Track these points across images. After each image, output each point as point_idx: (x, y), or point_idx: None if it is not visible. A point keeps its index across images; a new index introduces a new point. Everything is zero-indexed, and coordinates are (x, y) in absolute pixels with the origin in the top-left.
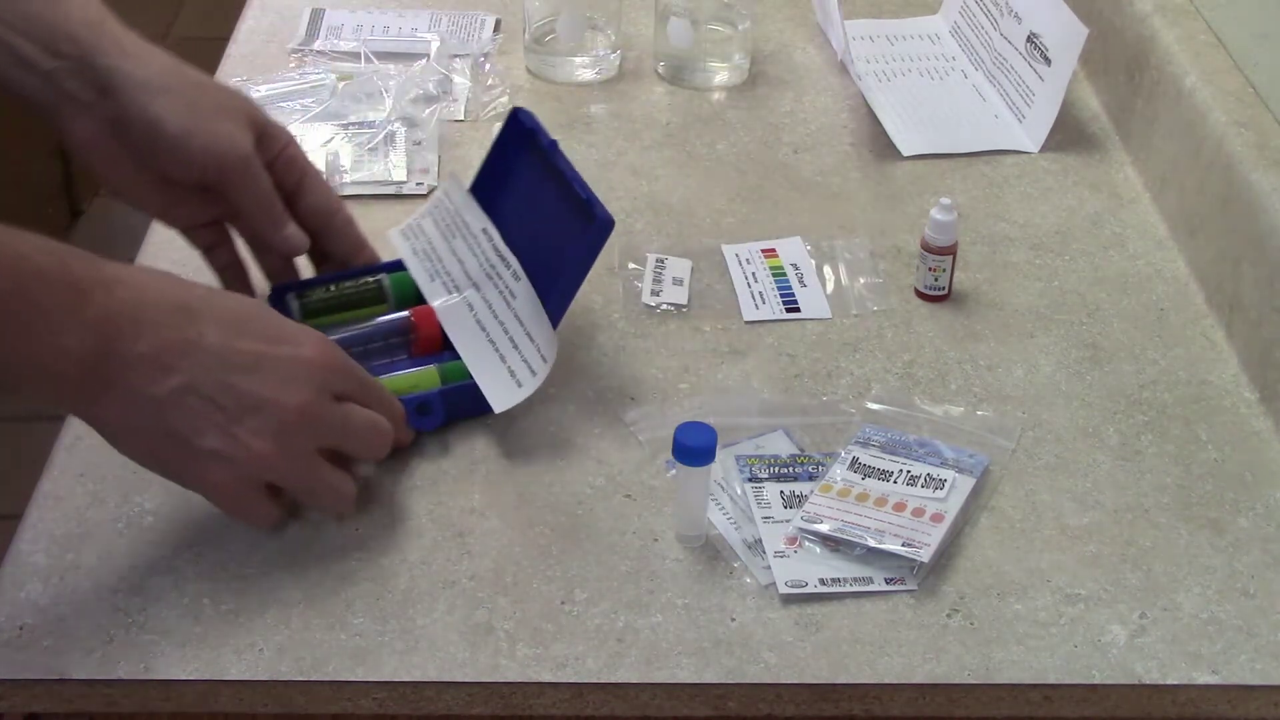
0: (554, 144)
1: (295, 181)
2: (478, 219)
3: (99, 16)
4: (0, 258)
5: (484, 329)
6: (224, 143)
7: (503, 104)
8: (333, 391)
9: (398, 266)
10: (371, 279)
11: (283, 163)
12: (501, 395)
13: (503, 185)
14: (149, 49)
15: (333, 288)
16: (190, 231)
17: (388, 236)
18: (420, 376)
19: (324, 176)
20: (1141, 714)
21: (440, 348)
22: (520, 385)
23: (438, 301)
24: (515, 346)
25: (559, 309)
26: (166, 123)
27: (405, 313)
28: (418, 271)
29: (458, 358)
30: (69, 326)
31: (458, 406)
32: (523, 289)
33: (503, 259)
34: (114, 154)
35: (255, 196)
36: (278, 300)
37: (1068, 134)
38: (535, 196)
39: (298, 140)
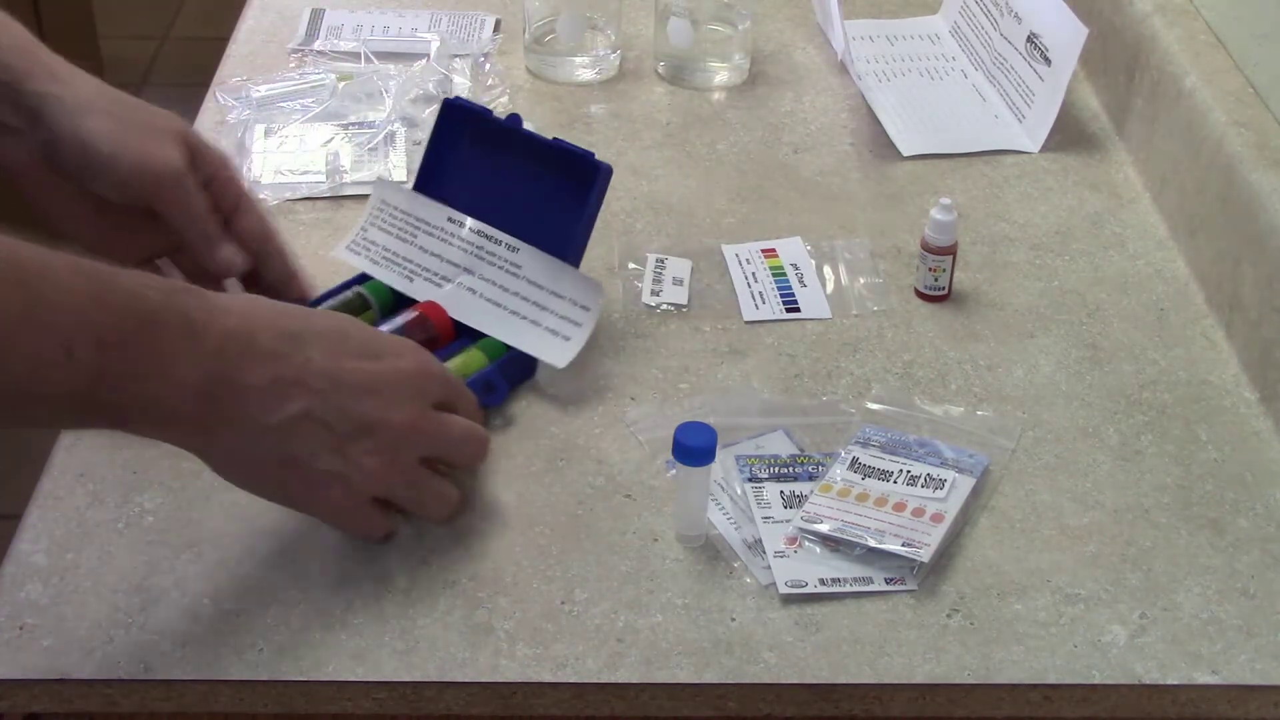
0: (517, 117)
1: (231, 205)
2: (436, 212)
3: (28, 44)
4: (115, 296)
5: (499, 305)
6: (155, 160)
7: (503, 104)
8: (432, 400)
9: (365, 278)
10: (350, 292)
11: (218, 185)
12: (555, 353)
13: (457, 173)
14: (79, 74)
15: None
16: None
17: (335, 256)
18: (468, 359)
19: (260, 201)
20: (1141, 714)
21: (454, 335)
22: (568, 339)
23: (436, 294)
24: (544, 308)
25: (576, 261)
26: (97, 142)
27: (413, 312)
28: (392, 279)
29: (480, 338)
30: (186, 361)
31: (515, 377)
32: (526, 257)
33: (489, 238)
34: (47, 181)
35: (188, 214)
36: None
37: (1068, 134)
38: (506, 171)
39: (233, 164)
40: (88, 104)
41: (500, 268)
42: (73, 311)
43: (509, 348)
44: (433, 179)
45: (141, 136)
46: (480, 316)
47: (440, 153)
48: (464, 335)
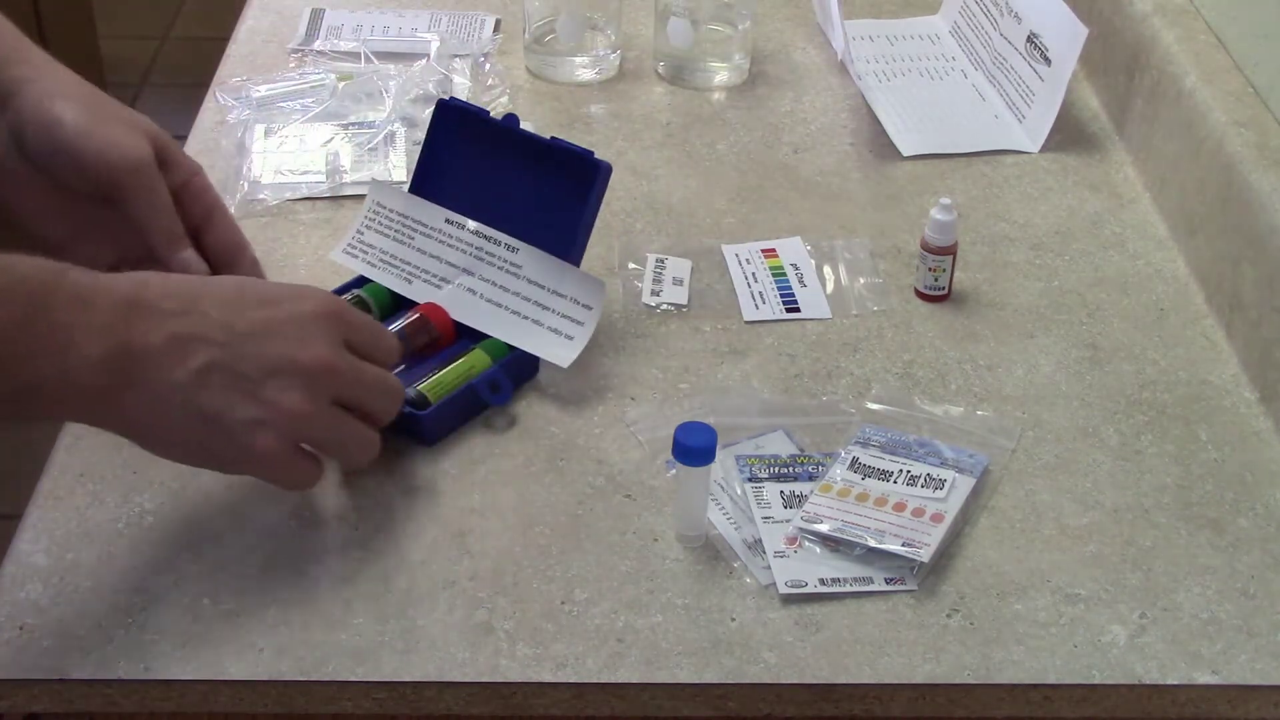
0: (514, 117)
1: (202, 214)
2: (433, 214)
3: (11, 35)
4: (6, 284)
5: (500, 305)
6: (121, 145)
7: (503, 104)
8: (344, 339)
9: (364, 280)
10: (348, 295)
11: (190, 193)
12: (558, 353)
13: (454, 174)
14: (58, 66)
15: None
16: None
17: (332, 258)
18: (473, 360)
19: (232, 214)
20: (1141, 714)
21: (455, 336)
22: (571, 339)
23: (436, 296)
24: (546, 308)
25: (577, 260)
26: (65, 122)
27: (414, 313)
28: (390, 281)
29: (483, 339)
30: (81, 333)
31: (519, 375)
32: (526, 257)
33: (488, 239)
34: (14, 171)
35: (151, 207)
36: None
37: (1068, 134)
38: (503, 171)
39: (205, 175)
40: (60, 90)
41: (500, 268)
42: None
43: (512, 347)
44: (429, 180)
45: (109, 122)
46: (482, 317)
47: (436, 154)
48: (465, 337)
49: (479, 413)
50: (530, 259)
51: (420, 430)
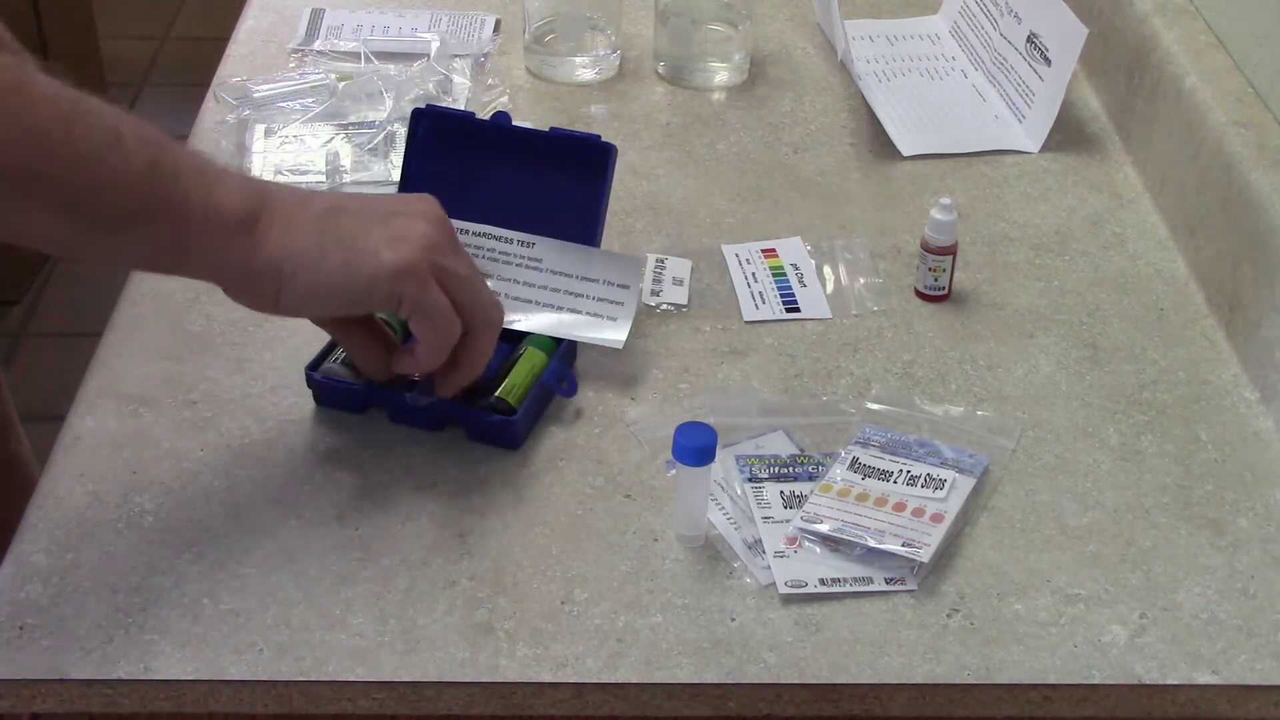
0: (504, 114)
1: None
2: None
3: None
4: (147, 129)
5: (531, 301)
6: None
7: (503, 104)
8: (447, 246)
9: None
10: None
11: None
12: (608, 336)
13: (445, 180)
14: None
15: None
16: None
17: None
18: (531, 358)
19: None
20: (1141, 714)
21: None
22: (615, 320)
23: None
24: (579, 295)
25: (597, 243)
26: None
27: None
28: None
29: (521, 339)
30: (226, 180)
31: (572, 363)
32: (544, 249)
33: (498, 239)
34: None
35: None
36: (311, 376)
37: (1068, 134)
38: (501, 170)
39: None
40: None
41: (520, 265)
42: (115, 116)
43: (557, 339)
44: (417, 189)
45: None
46: (517, 317)
47: (420, 163)
48: (503, 340)
49: (545, 409)
50: (549, 250)
51: (512, 434)
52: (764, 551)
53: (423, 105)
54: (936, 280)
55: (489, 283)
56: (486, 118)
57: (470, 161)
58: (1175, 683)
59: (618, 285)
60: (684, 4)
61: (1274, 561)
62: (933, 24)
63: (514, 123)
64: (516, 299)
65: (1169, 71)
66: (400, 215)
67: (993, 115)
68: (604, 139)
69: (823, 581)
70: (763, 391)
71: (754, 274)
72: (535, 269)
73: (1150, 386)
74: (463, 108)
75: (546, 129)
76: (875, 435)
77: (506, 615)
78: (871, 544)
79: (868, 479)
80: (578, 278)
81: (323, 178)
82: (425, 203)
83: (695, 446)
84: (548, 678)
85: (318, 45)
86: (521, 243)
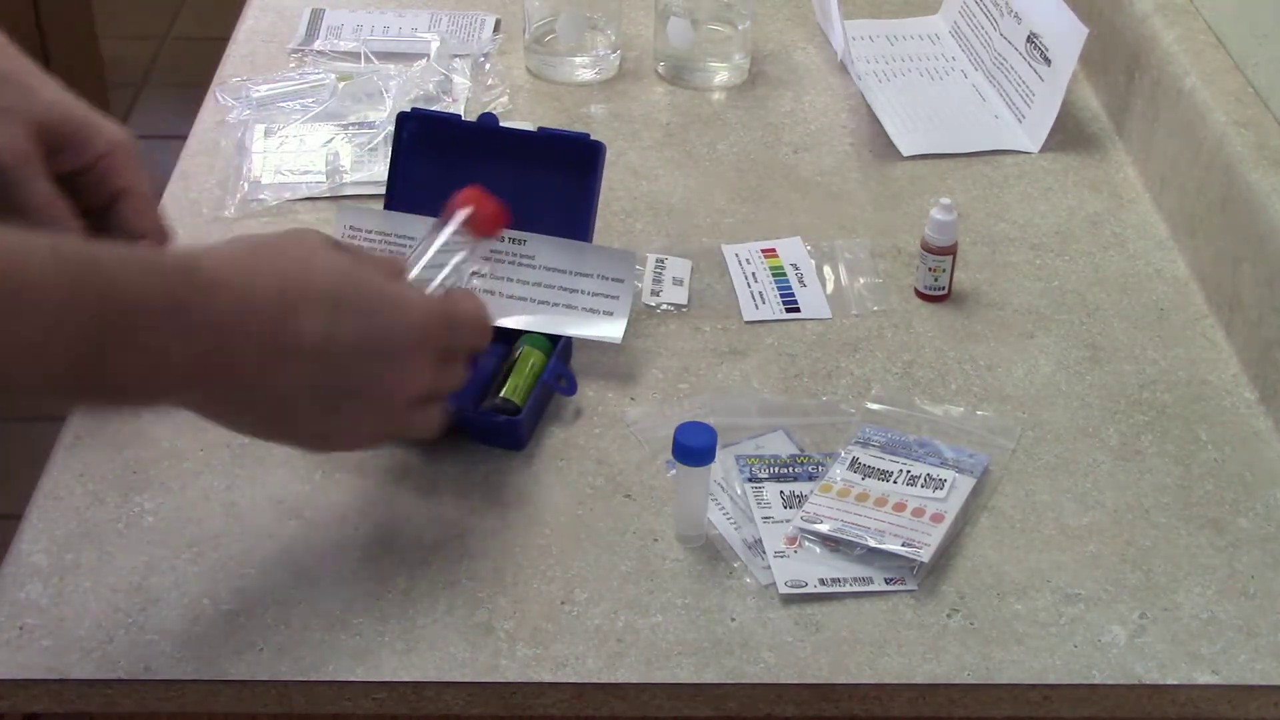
0: (492, 116)
1: (110, 195)
2: (414, 225)
3: None
4: (95, 280)
5: (525, 299)
6: None
7: (503, 104)
8: (444, 349)
9: None
10: None
11: (96, 175)
12: (605, 330)
13: (431, 183)
14: None
15: None
16: None
17: None
18: (529, 357)
19: (151, 198)
20: (1141, 714)
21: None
22: (611, 314)
23: None
24: (574, 291)
25: (588, 239)
26: None
27: (462, 212)
28: None
29: (517, 337)
30: (173, 345)
31: (568, 359)
32: (535, 246)
33: None
34: None
35: (27, 206)
36: None
37: (1068, 134)
38: (490, 170)
39: (129, 150)
40: None
41: (512, 263)
42: (51, 305)
43: (553, 337)
44: (404, 194)
45: None
46: (513, 315)
47: (406, 166)
48: (498, 340)
49: (545, 408)
50: (541, 247)
51: (517, 434)
52: (764, 551)
53: (422, 106)
54: (936, 280)
55: (480, 284)
56: (420, 122)
57: (458, 164)
58: (1175, 683)
59: (612, 279)
60: (684, 4)
61: (1274, 561)
62: (933, 24)
63: (508, 123)
64: (511, 297)
65: (1169, 71)
66: (355, 399)
67: (993, 115)
68: (600, 139)
69: (823, 581)
70: (763, 391)
71: (754, 274)
72: (528, 266)
73: (1150, 386)
74: (462, 108)
75: (536, 128)
76: (875, 435)
77: (506, 615)
78: (871, 544)
79: (868, 479)
80: (571, 273)
81: (323, 178)
82: (418, 343)
83: (695, 446)
84: (548, 677)
85: (318, 45)
86: (512, 240)
